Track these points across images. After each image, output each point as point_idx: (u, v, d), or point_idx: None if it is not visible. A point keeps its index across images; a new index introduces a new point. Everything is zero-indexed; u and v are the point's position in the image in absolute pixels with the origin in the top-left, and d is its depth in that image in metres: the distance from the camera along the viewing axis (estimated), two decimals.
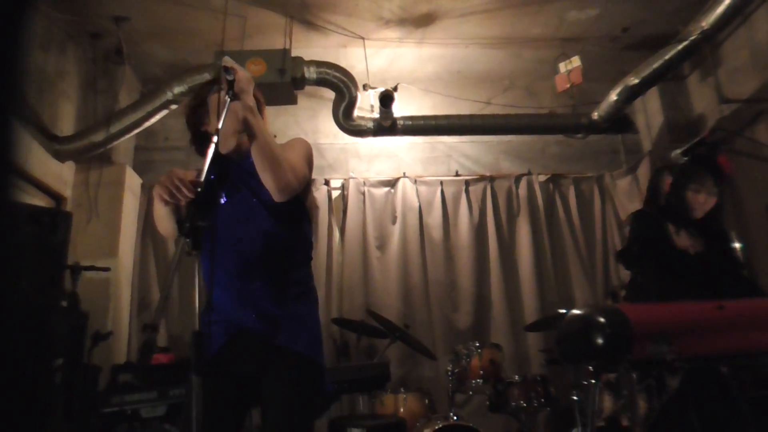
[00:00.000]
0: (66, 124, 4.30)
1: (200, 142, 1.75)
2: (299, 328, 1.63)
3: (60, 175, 4.22)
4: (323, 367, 1.66)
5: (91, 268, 3.55)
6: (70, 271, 3.37)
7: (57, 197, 4.21)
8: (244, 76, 1.58)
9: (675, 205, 2.31)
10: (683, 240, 2.29)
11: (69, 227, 3.47)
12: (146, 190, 4.81)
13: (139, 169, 4.86)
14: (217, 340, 1.62)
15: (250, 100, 1.57)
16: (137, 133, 4.57)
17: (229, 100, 1.53)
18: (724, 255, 2.32)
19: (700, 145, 2.57)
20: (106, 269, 3.80)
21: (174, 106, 4.28)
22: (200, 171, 1.40)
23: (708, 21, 3.81)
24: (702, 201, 2.28)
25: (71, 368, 3.10)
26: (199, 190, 1.37)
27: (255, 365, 1.61)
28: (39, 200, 3.99)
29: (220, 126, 1.47)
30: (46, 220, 3.05)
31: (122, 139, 4.36)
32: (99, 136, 4.19)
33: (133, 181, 4.69)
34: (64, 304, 3.26)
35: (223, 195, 1.71)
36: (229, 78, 1.52)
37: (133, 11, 4.18)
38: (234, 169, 1.71)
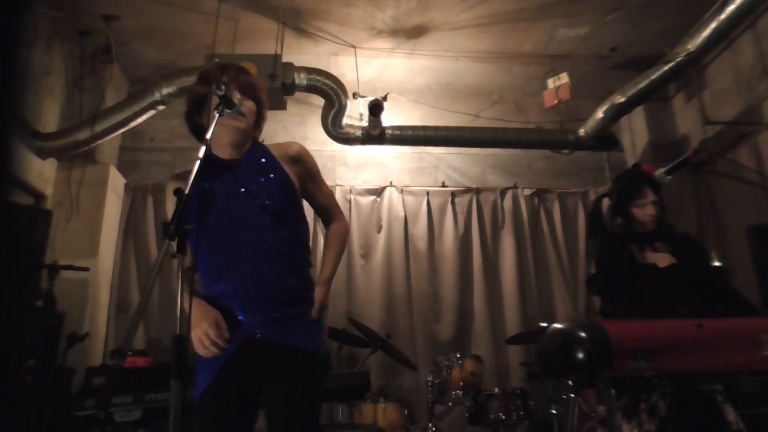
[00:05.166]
0: (50, 121, 4.24)
1: (195, 129, 1.78)
2: (308, 328, 1.64)
3: (41, 172, 4.15)
4: (327, 356, 1.69)
5: (70, 267, 3.49)
6: (48, 270, 3.30)
7: (37, 195, 4.14)
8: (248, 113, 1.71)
9: (624, 225, 2.32)
10: (649, 257, 2.28)
11: (48, 226, 3.41)
12: (130, 191, 4.75)
13: (123, 169, 4.81)
14: (229, 349, 1.60)
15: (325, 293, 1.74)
16: (123, 133, 4.52)
17: (218, 114, 1.55)
18: (700, 263, 2.29)
19: (683, 165, 2.59)
20: (85, 269, 3.73)
21: (161, 107, 4.25)
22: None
23: (694, 44, 3.88)
24: (651, 212, 2.29)
25: (44, 370, 3.03)
26: (184, 196, 1.37)
27: (262, 370, 1.59)
28: (18, 197, 3.92)
29: (208, 136, 1.52)
30: (24, 218, 3.00)
31: (107, 138, 4.30)
32: (83, 134, 4.13)
33: (116, 181, 4.63)
34: (40, 303, 3.19)
35: (218, 201, 1.69)
36: (219, 93, 1.54)
37: (124, 11, 4.15)
38: (233, 174, 1.70)
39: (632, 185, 2.34)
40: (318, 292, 1.72)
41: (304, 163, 1.79)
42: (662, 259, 2.26)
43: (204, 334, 1.56)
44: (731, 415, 1.83)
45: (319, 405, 1.65)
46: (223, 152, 1.72)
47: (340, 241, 1.87)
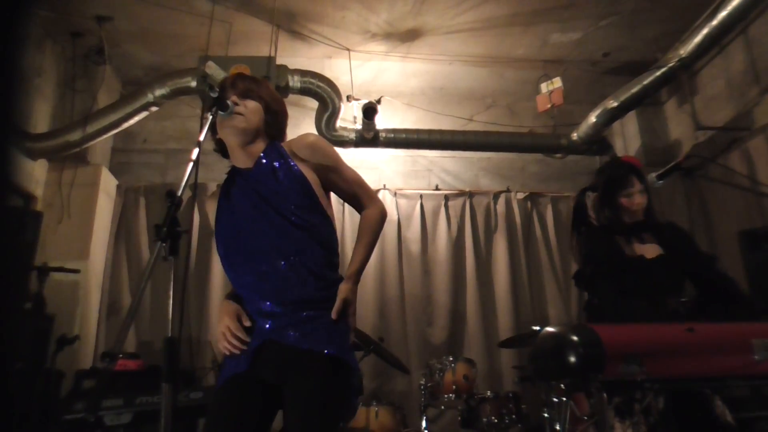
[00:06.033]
0: (40, 121, 4.21)
1: (221, 149, 1.82)
2: (326, 330, 1.58)
3: (31, 173, 4.12)
4: (353, 366, 1.60)
5: (60, 269, 3.46)
6: (37, 272, 3.28)
7: (27, 196, 4.10)
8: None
9: (612, 217, 2.28)
10: (636, 248, 2.24)
11: (38, 227, 3.38)
12: (122, 192, 4.72)
13: (115, 171, 4.78)
14: (248, 353, 1.58)
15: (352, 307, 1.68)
16: (115, 135, 4.50)
17: (210, 116, 1.60)
18: (688, 253, 2.26)
19: (675, 169, 2.59)
20: (76, 271, 3.70)
21: (154, 109, 4.23)
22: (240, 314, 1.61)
23: (686, 49, 3.91)
24: (639, 201, 2.25)
25: (33, 373, 3.00)
26: (176, 198, 1.38)
27: (280, 373, 1.55)
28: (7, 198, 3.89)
29: (201, 138, 1.55)
30: (13, 219, 2.97)
31: (99, 139, 4.28)
32: (75, 136, 4.11)
33: (108, 182, 4.60)
34: (29, 306, 3.16)
35: (235, 209, 1.69)
36: (213, 95, 1.58)
37: (117, 12, 4.13)
38: (248, 180, 1.69)
39: (619, 175, 2.30)
40: (340, 289, 1.65)
41: (317, 154, 1.73)
42: (650, 250, 2.23)
43: (226, 327, 1.58)
44: (719, 407, 1.84)
45: (337, 415, 1.57)
46: (238, 158, 1.73)
47: (369, 230, 1.77)
